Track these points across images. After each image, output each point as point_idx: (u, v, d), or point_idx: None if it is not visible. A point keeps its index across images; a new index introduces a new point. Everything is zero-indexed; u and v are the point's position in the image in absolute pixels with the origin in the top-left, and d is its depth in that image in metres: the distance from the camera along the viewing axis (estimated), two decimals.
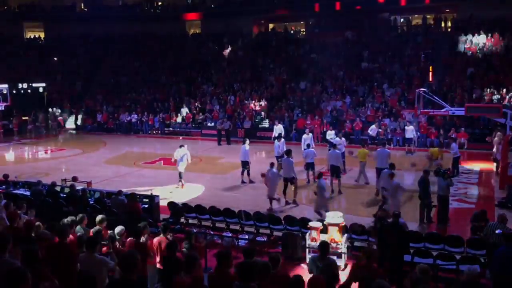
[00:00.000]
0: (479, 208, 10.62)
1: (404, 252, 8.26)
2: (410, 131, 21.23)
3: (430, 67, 23.42)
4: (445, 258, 8.50)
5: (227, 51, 27.96)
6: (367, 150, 15.71)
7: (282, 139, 17.53)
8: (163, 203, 12.11)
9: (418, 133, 22.19)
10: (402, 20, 34.71)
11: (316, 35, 34.82)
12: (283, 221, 10.50)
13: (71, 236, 6.69)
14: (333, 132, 19.95)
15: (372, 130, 21.70)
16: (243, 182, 15.82)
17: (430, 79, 23.39)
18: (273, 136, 20.46)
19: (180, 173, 15.32)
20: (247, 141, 16.41)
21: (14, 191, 12.63)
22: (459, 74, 25.99)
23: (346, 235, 9.44)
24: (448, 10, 32.68)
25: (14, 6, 39.31)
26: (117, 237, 7.20)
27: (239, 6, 37.00)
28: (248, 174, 15.82)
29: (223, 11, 37.40)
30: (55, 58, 37.55)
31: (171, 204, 11.77)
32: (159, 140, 26.42)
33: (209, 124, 27.25)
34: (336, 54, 31.28)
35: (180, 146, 15.80)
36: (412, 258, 8.39)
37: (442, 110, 17.49)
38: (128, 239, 7.14)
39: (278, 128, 20.96)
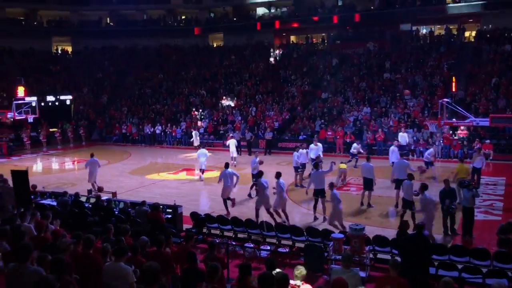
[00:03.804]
0: (505, 220, 10.37)
1: (428, 264, 8.13)
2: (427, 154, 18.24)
3: (453, 77, 23.07)
4: (471, 271, 8.32)
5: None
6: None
7: (301, 150, 17.17)
8: None
9: (442, 144, 21.81)
10: (424, 30, 34.39)
11: (337, 46, 34.89)
12: (305, 233, 10.46)
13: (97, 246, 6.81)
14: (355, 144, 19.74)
15: (402, 139, 20.93)
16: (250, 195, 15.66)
17: (454, 90, 23.06)
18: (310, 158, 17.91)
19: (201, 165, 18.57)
20: (257, 153, 17.93)
21: (41, 201, 12.96)
22: (483, 84, 25.58)
23: (368, 247, 9.37)
24: (471, 20, 32.28)
25: (44, 21, 40.62)
26: None
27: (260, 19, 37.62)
28: (251, 187, 15.65)
29: (244, 25, 38.00)
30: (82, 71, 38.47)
31: (194, 215, 11.88)
32: (182, 151, 26.69)
33: (231, 135, 27.37)
34: (358, 65, 31.25)
35: (199, 148, 19.77)
36: (436, 271, 8.27)
37: (466, 121, 17.20)
38: (150, 249, 7.23)
39: (315, 149, 18.30)
